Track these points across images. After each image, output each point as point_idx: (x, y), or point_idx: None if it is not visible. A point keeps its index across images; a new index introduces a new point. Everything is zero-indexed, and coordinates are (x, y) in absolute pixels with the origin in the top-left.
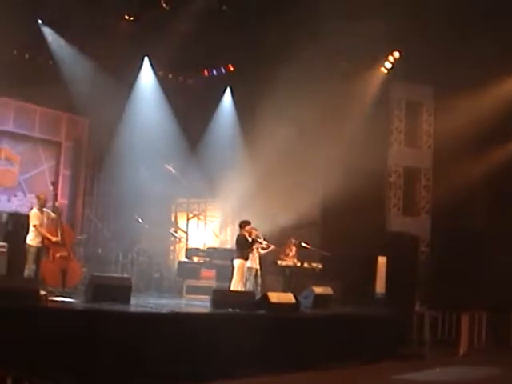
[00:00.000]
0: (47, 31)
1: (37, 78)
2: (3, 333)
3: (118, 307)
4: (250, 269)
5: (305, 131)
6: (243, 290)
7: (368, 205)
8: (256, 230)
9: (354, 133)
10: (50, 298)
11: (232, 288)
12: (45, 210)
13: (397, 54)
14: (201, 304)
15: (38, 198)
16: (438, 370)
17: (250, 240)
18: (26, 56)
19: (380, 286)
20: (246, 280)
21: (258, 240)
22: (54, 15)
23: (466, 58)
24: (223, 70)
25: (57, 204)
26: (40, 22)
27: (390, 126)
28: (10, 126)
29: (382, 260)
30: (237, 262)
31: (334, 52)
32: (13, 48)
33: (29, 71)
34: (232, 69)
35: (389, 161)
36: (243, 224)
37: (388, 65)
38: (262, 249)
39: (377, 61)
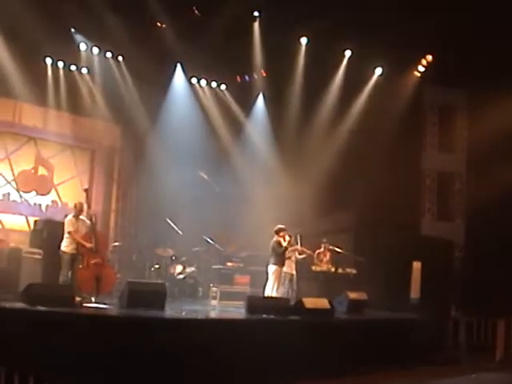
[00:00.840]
0: (80, 39)
1: (70, 87)
2: (37, 338)
3: (152, 313)
4: (285, 274)
5: (338, 136)
6: (278, 295)
7: (402, 210)
8: (291, 235)
9: (388, 138)
10: (85, 305)
11: (266, 294)
12: (80, 217)
13: (430, 58)
14: (235, 310)
15: (74, 206)
16: (473, 375)
17: (284, 246)
18: (60, 65)
19: (415, 291)
20: (281, 285)
21: (293, 246)
22: (87, 23)
23: (500, 61)
24: (256, 76)
25: (91, 211)
26: (73, 30)
27: (424, 130)
28: (44, 134)
29: (416, 265)
30: (271, 268)
31: (366, 57)
32: (46, 57)
33: (62, 80)
34: (264, 74)
35: (423, 165)
36: (278, 230)
37: (421, 69)
38: (299, 254)
39: (410, 65)
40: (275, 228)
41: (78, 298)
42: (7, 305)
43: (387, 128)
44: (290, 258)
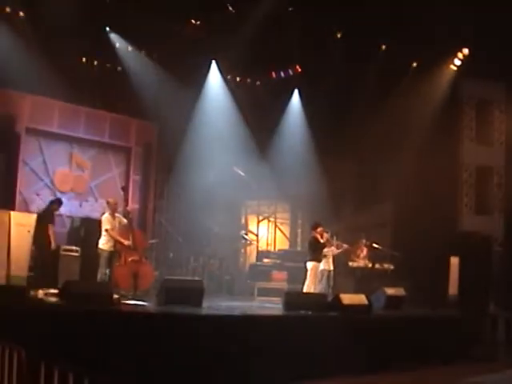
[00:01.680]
0: (115, 38)
1: (106, 85)
2: (77, 335)
3: (190, 310)
4: (323, 270)
5: (375, 132)
6: (315, 291)
7: (439, 204)
8: (327, 231)
9: (425, 132)
10: (123, 302)
11: (305, 290)
12: (116, 214)
13: (466, 51)
14: (272, 306)
15: (107, 203)
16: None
17: (322, 242)
18: (95, 63)
19: (452, 287)
20: (319, 282)
21: (330, 241)
22: (121, 22)
23: None
24: (291, 72)
25: (128, 208)
26: (108, 29)
27: (461, 124)
28: (80, 133)
29: (454, 260)
30: (310, 264)
31: (402, 51)
32: (81, 55)
33: (98, 78)
34: (299, 70)
35: (460, 159)
36: (315, 226)
37: (457, 62)
38: (337, 249)
39: (446, 58)
40: (312, 224)
41: (115, 296)
42: (46, 302)
43: (424, 122)
44: (325, 253)
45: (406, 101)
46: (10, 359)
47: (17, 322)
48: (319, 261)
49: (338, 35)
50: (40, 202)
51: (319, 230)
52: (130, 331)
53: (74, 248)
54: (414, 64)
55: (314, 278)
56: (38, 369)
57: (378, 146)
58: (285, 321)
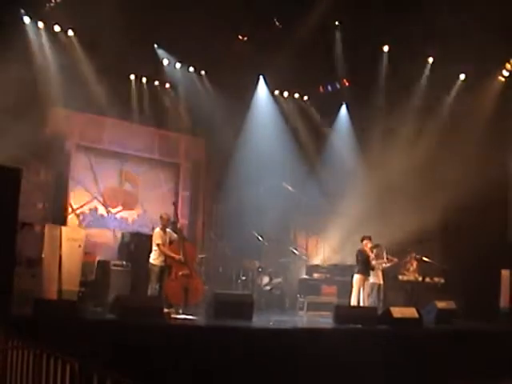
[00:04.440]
0: (163, 54)
1: (154, 101)
2: (128, 349)
3: (240, 323)
4: (373, 284)
5: (424, 145)
6: (364, 304)
7: (490, 216)
8: (378, 245)
9: (473, 143)
10: (174, 316)
11: (352, 303)
12: (167, 230)
13: None
14: (322, 320)
15: (161, 217)
16: None
17: (369, 255)
18: (143, 80)
19: (504, 300)
20: (369, 296)
21: (380, 255)
22: (169, 38)
23: None
24: (338, 86)
25: (178, 225)
26: (156, 45)
27: (510, 134)
28: (130, 149)
29: (505, 273)
30: (355, 277)
31: (449, 63)
32: (130, 73)
33: (146, 95)
34: (347, 84)
35: (510, 170)
36: (364, 239)
37: (506, 73)
38: (386, 262)
39: (494, 69)
40: (361, 237)
41: (166, 310)
42: (98, 317)
43: (472, 134)
44: (374, 267)
45: (455, 113)
46: (63, 371)
47: (69, 334)
48: (365, 273)
49: (385, 48)
50: (90, 218)
51: (365, 242)
52: (181, 344)
53: (124, 263)
54: (462, 76)
55: (358, 290)
56: (91, 380)
57: (427, 160)
58: (335, 334)
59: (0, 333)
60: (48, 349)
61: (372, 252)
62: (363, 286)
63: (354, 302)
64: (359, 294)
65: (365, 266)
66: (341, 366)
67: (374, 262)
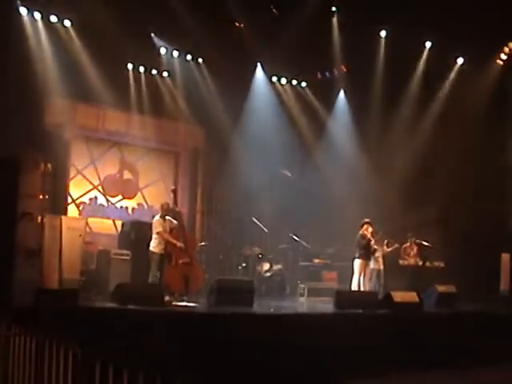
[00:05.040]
0: (160, 43)
1: (152, 90)
2: (130, 337)
3: (241, 310)
4: (372, 269)
5: (422, 130)
6: (365, 289)
7: (490, 201)
8: (378, 230)
9: (472, 128)
10: (174, 303)
11: (352, 288)
12: (167, 217)
13: None
14: (323, 306)
15: (161, 206)
16: None
17: (369, 239)
18: (141, 69)
19: (504, 283)
20: (369, 280)
21: (380, 240)
22: (167, 27)
23: None
24: (336, 72)
25: (178, 210)
26: (153, 34)
27: (509, 120)
28: (128, 139)
29: (505, 257)
30: (356, 262)
31: (447, 47)
32: (128, 62)
33: (144, 84)
34: (345, 70)
35: (509, 155)
36: (364, 224)
37: (504, 57)
38: (387, 247)
39: (492, 54)
40: (361, 221)
41: (167, 297)
42: (98, 305)
43: (470, 118)
44: (375, 252)
45: (453, 97)
46: (66, 359)
47: (71, 322)
48: (366, 258)
49: (383, 33)
50: (90, 207)
51: (365, 226)
52: (182, 332)
53: (124, 252)
54: (460, 60)
55: (359, 275)
56: (94, 367)
57: (425, 144)
58: (336, 319)
59: (2, 320)
60: (50, 337)
61: (373, 237)
62: (364, 270)
63: (354, 287)
64: (360, 279)
65: (365, 251)
66: (342, 351)
67: (375, 247)
